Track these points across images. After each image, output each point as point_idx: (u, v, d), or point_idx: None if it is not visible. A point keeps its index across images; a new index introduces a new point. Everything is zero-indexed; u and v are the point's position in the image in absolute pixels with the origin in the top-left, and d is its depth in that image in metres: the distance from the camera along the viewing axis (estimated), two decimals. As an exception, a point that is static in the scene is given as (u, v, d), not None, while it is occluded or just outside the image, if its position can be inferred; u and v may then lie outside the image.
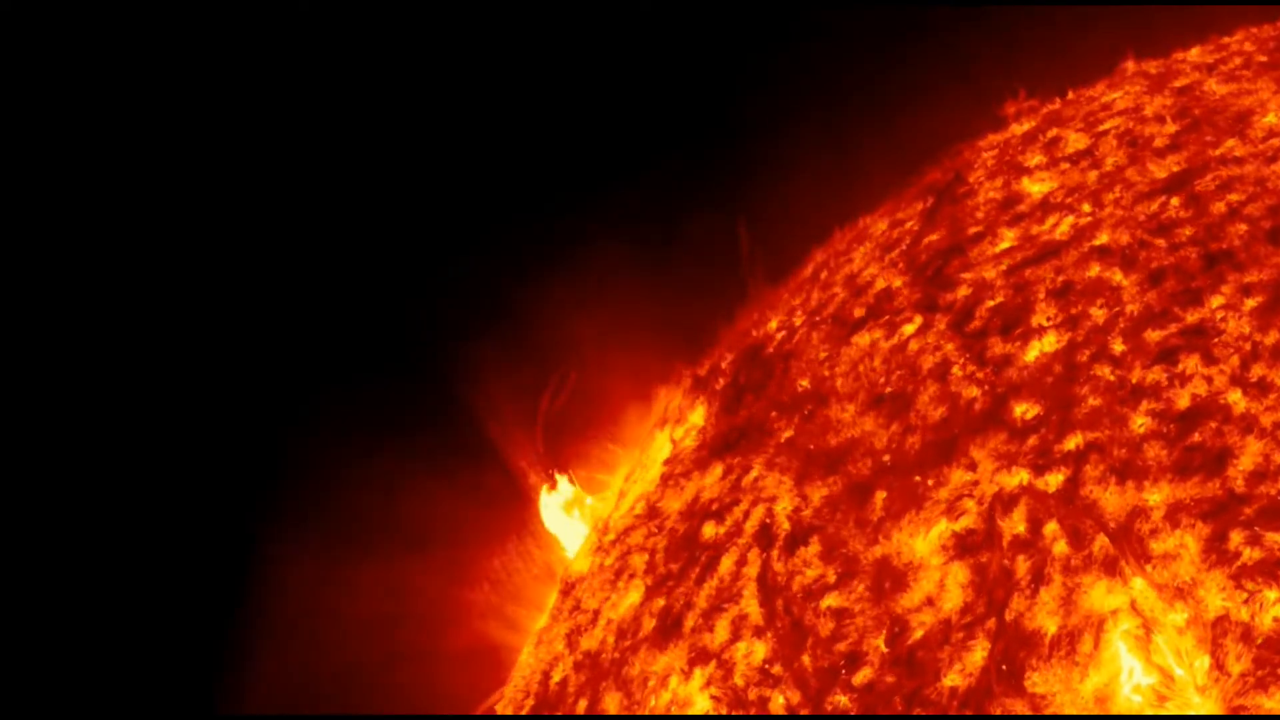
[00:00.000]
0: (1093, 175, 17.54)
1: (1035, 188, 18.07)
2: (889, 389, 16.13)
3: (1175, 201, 16.03)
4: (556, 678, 17.97)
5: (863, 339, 17.21)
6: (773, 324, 19.92)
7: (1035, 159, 18.79)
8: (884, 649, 13.70)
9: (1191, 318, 14.39)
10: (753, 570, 15.49)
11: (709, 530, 16.64)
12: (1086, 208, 16.84)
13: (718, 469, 17.55)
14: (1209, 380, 13.70)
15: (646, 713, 15.46)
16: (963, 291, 16.64)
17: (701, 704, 14.82)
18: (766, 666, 14.55)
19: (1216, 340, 14.02)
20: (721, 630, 15.21)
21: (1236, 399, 13.39)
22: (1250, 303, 14.20)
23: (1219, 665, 11.98)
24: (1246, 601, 12.09)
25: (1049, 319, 15.42)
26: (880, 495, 14.91)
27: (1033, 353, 15.21)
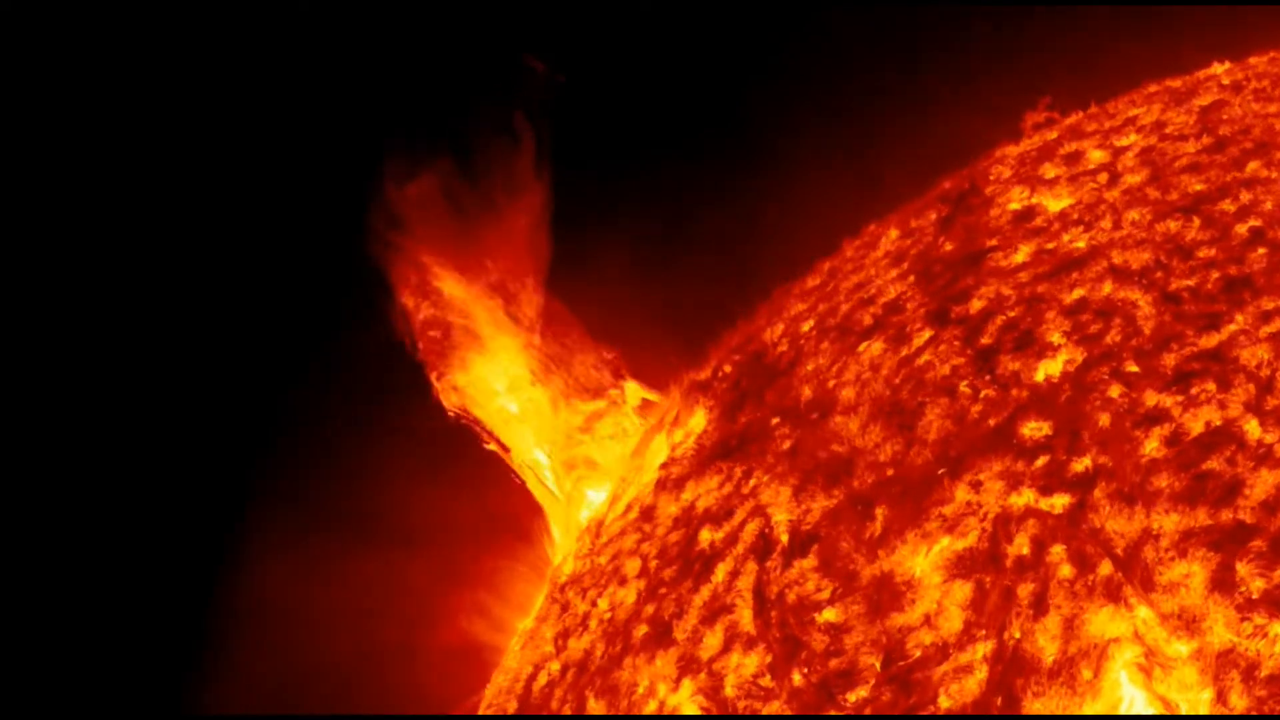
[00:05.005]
0: (1111, 192, 17.32)
1: (1052, 202, 17.85)
2: (895, 401, 15.87)
3: (1196, 222, 15.80)
4: (541, 681, 17.74)
5: (870, 349, 16.99)
6: (778, 329, 19.71)
7: (1053, 172, 18.57)
8: (879, 667, 13.44)
9: (1208, 342, 14.13)
10: (748, 581, 15.24)
11: (705, 537, 16.41)
12: (1105, 224, 16.62)
13: (716, 475, 17.32)
14: (1223, 407, 13.43)
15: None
16: (975, 305, 16.41)
17: (689, 714, 14.58)
18: (757, 679, 14.29)
19: (1233, 367, 13.76)
20: (713, 640, 14.96)
21: (1252, 428, 13.12)
22: (1269, 329, 13.95)
23: (1222, 698, 11.73)
24: (1252, 635, 11.83)
25: (1062, 337, 15.18)
26: (881, 510, 14.65)
27: (1044, 371, 14.96)
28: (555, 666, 17.68)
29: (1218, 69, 20.23)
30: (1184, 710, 11.85)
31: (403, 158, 25.18)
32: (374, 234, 24.41)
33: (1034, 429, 14.31)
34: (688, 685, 14.76)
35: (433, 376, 23.60)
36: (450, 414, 23.60)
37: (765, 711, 13.99)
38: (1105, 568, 12.68)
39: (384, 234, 24.40)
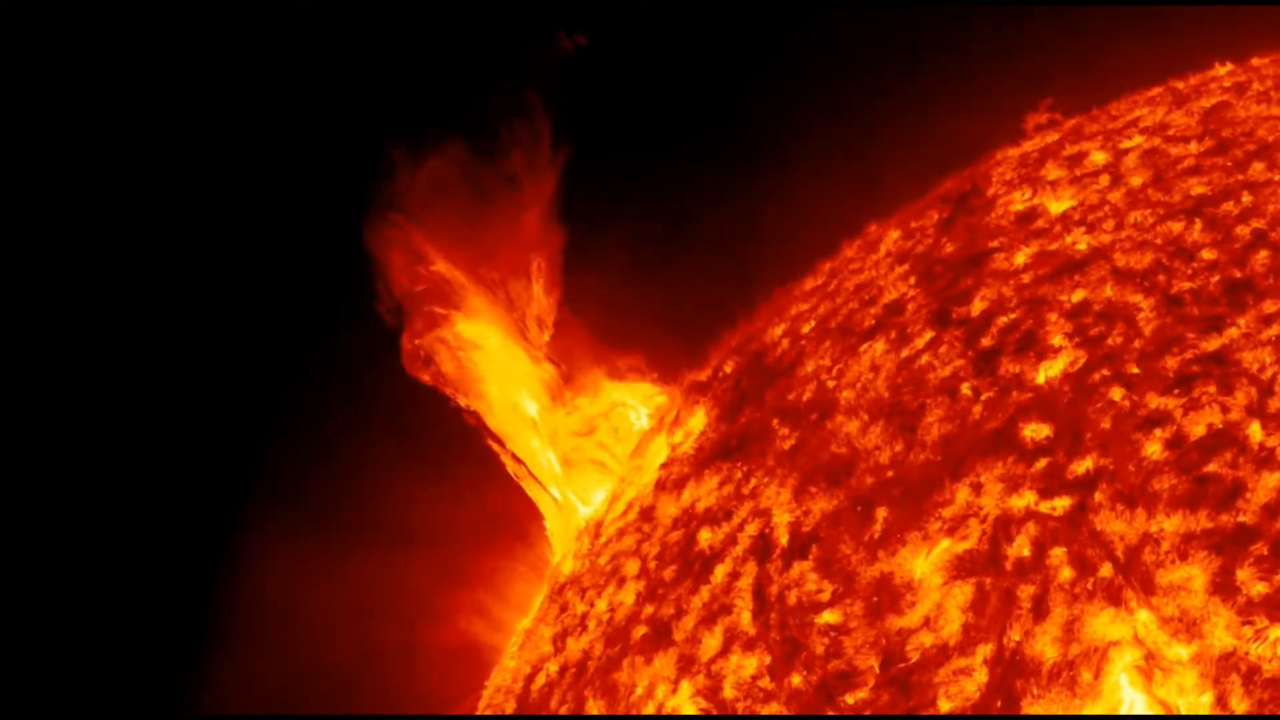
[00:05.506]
0: (1114, 194, 17.26)
1: (1054, 203, 17.79)
2: (896, 402, 15.81)
3: (1198, 225, 15.73)
4: (540, 681, 17.69)
5: (871, 350, 16.93)
6: (778, 330, 19.66)
7: (1055, 174, 18.51)
8: (878, 669, 13.39)
9: (1210, 345, 14.07)
10: (747, 582, 15.19)
11: (704, 538, 16.35)
12: (1107, 226, 16.56)
13: (716, 476, 17.26)
14: (1225, 410, 13.38)
15: (631, 722, 15.18)
16: (976, 306, 16.35)
17: (689, 715, 14.54)
18: (757, 681, 14.25)
19: (1234, 369, 13.70)
20: (712, 641, 14.91)
21: (1253, 431, 13.07)
22: (1270, 332, 13.89)
23: (1222, 702, 11.69)
24: (1253, 638, 11.79)
25: (1064, 339, 15.12)
26: (882, 511, 14.60)
27: (1045, 373, 14.91)
28: (554, 667, 17.63)
29: (1220, 70, 20.16)
30: (1183, 712, 11.81)
31: (407, 147, 25.10)
32: (376, 223, 24.32)
33: (1035, 431, 14.26)
34: (686, 686, 14.72)
35: (404, 339, 23.43)
36: (414, 377, 23.44)
37: (764, 712, 13.94)
38: (1106, 570, 12.63)
39: (386, 222, 24.30)
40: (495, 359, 24.12)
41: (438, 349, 23.56)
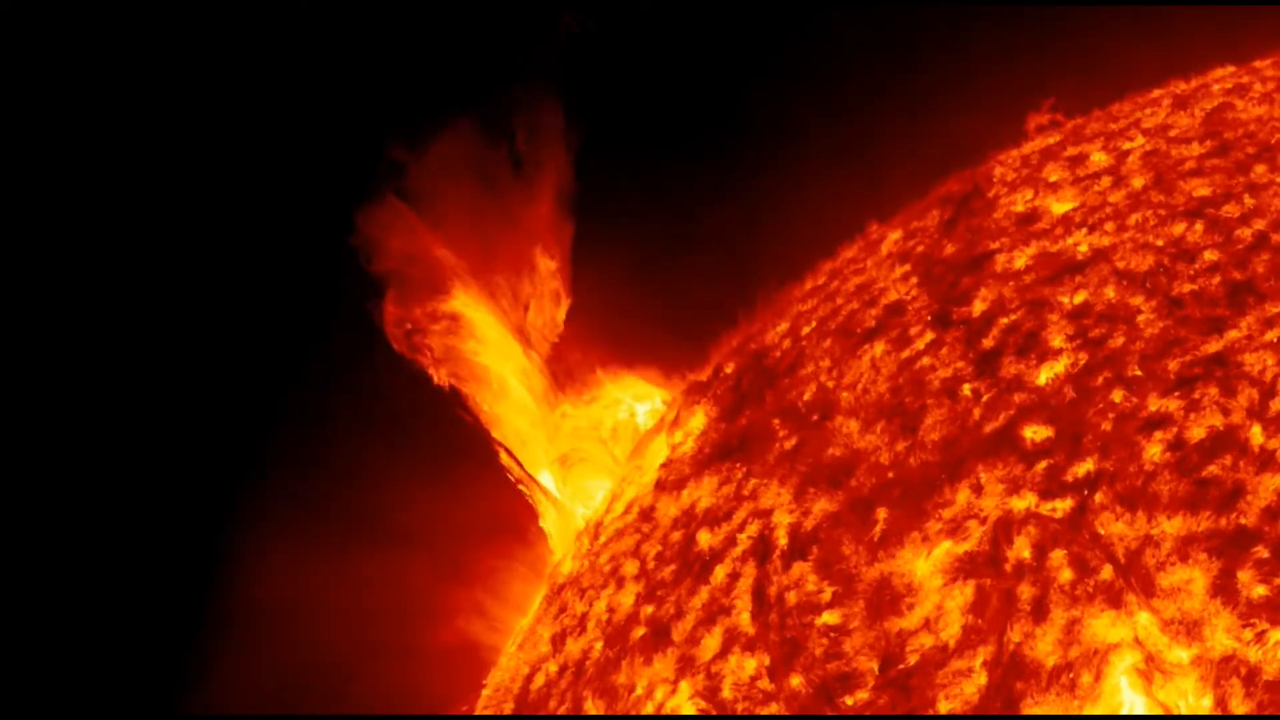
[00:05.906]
0: (1115, 195, 17.27)
1: (1056, 205, 17.79)
2: (896, 404, 15.81)
3: (1199, 226, 15.74)
4: (539, 681, 17.69)
5: (871, 351, 16.93)
6: (779, 330, 19.65)
7: (1057, 175, 18.52)
8: (878, 671, 13.40)
9: (1211, 347, 14.08)
10: (747, 583, 15.19)
11: (704, 539, 16.35)
12: (1108, 228, 16.57)
13: (715, 477, 17.26)
14: (1226, 412, 13.38)
15: (631, 722, 15.18)
16: (977, 307, 16.35)
17: (688, 715, 14.53)
18: (756, 682, 14.25)
19: (1235, 371, 13.71)
20: (712, 642, 14.91)
21: (1254, 433, 13.07)
22: (1272, 334, 13.90)
23: (1222, 704, 11.69)
24: (1253, 641, 11.80)
25: (1064, 340, 15.12)
26: (882, 512, 14.60)
27: (1046, 374, 14.91)
28: (553, 667, 17.63)
29: (1222, 72, 20.15)
30: (1183, 715, 11.82)
31: (409, 143, 25.07)
32: (377, 216, 24.28)
33: (1035, 432, 14.27)
34: (686, 687, 14.71)
35: (388, 308, 23.33)
36: (436, 382, 23.44)
37: (764, 713, 13.94)
38: (1106, 572, 12.64)
39: (387, 214, 24.28)
40: (495, 357, 24.11)
41: (426, 326, 23.55)
